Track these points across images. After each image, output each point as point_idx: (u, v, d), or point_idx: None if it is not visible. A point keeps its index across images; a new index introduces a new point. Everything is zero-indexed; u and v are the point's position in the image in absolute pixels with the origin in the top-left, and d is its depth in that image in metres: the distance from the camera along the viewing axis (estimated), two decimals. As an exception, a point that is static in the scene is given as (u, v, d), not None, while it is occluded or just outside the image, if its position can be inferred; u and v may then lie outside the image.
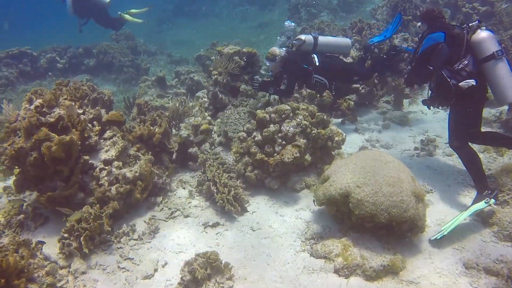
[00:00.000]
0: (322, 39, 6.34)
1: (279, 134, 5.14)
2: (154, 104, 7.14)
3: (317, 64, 6.18)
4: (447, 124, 4.95)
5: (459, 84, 4.35)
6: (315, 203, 4.34)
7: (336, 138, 5.32)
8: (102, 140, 4.64)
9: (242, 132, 5.30)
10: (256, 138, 5.16)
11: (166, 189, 5.18)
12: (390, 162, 4.26)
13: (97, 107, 4.71)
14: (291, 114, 5.24)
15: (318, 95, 6.82)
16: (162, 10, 24.29)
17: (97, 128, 4.53)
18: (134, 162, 4.87)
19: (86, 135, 4.36)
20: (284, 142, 5.12)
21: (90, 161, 4.38)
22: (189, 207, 4.94)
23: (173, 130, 6.09)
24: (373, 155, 4.35)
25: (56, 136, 4.03)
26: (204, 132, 5.65)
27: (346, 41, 6.59)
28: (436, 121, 7.00)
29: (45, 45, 12.73)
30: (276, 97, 6.44)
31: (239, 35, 15.81)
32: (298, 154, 4.84)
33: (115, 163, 4.53)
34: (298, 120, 5.17)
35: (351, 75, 6.66)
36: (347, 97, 7.26)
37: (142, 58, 12.68)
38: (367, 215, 3.88)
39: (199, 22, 22.11)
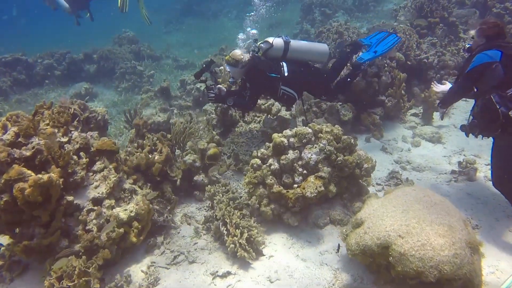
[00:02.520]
0: (294, 44, 5.37)
1: (299, 162, 4.39)
2: (156, 119, 6.42)
3: (285, 74, 5.21)
4: (490, 158, 4.25)
5: (510, 113, 3.60)
6: (348, 253, 3.57)
7: (365, 165, 4.55)
8: (91, 174, 3.93)
9: (256, 159, 4.55)
10: (272, 167, 4.41)
11: (168, 226, 4.46)
12: (437, 204, 3.49)
13: (84, 135, 3.99)
14: (312, 138, 4.48)
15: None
16: (170, 9, 23.43)
17: (84, 160, 3.81)
18: (129, 197, 4.16)
19: (70, 171, 3.64)
20: (305, 172, 4.37)
21: (75, 202, 3.67)
22: (195, 249, 4.21)
23: (177, 151, 5.37)
24: (416, 195, 3.57)
25: (32, 174, 3.32)
26: (212, 158, 4.91)
27: (323, 47, 5.57)
28: (471, 137, 6.17)
29: (41, 50, 11.93)
30: (295, 112, 5.67)
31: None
32: (322, 188, 4.08)
33: (106, 202, 3.81)
34: (321, 145, 4.41)
35: (323, 91, 5.69)
36: (372, 110, 6.47)
37: (146, 64, 11.93)
38: (412, 272, 3.12)
39: (207, 22, 21.30)
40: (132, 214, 3.92)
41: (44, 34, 21.95)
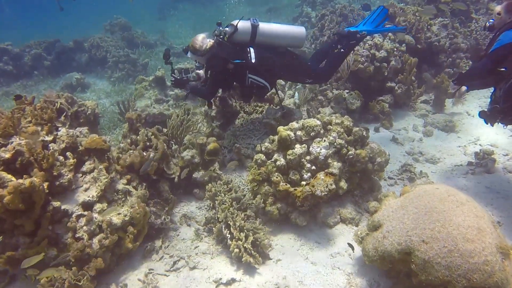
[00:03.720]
0: (264, 27, 4.69)
1: (308, 157, 4.04)
2: (151, 111, 6.04)
3: (253, 60, 4.60)
4: None
5: None
6: (365, 259, 3.25)
7: (378, 159, 4.21)
8: (80, 175, 3.57)
9: (260, 154, 4.20)
10: (278, 163, 4.06)
11: (167, 229, 4.13)
12: (463, 204, 3.14)
13: (71, 133, 3.61)
14: (321, 131, 4.12)
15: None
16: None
17: (71, 161, 3.45)
18: (123, 199, 3.81)
19: (55, 173, 3.28)
20: (314, 168, 4.02)
21: (63, 207, 3.32)
22: (196, 253, 3.88)
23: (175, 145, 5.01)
24: (440, 194, 3.22)
25: (13, 179, 2.97)
26: (212, 153, 4.55)
27: (297, 30, 4.81)
28: (486, 125, 5.82)
29: (29, 40, 11.33)
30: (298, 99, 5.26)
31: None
32: (333, 186, 3.74)
33: (98, 206, 3.46)
34: (331, 138, 4.05)
35: (303, 76, 5.07)
36: (380, 98, 6.10)
37: (140, 51, 11.43)
38: (437, 281, 2.82)
39: (203, 8, 20.61)
40: (127, 218, 3.58)
41: (31, 23, 21.09)
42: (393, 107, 6.20)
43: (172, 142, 4.87)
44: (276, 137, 4.22)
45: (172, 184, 4.57)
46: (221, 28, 4.69)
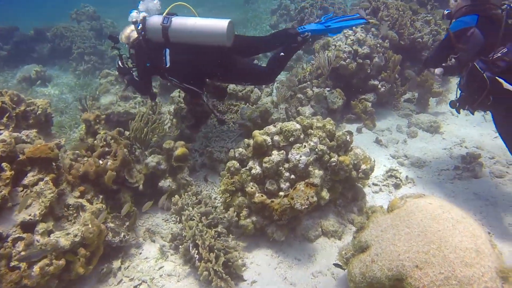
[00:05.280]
0: (177, 25, 3.90)
1: (286, 165, 3.63)
2: (115, 110, 5.49)
3: (167, 65, 4.00)
4: (499, 134, 3.97)
5: (498, 78, 3.32)
6: (351, 285, 2.87)
7: (363, 166, 3.83)
8: (21, 190, 3.03)
9: (233, 161, 3.76)
10: (253, 171, 3.63)
11: (128, 246, 3.65)
12: (459, 222, 2.79)
13: (8, 139, 3.05)
14: (301, 136, 3.70)
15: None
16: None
17: (7, 174, 2.90)
18: (75, 215, 3.30)
19: (-13, 190, 2.74)
20: (293, 177, 3.61)
21: (-3, 230, 2.79)
22: (160, 275, 3.42)
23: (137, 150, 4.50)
24: (433, 211, 2.86)
25: None
26: (180, 159, 4.08)
27: (215, 25, 3.88)
28: (471, 125, 5.60)
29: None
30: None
31: (222, 13, 13.88)
32: (315, 199, 3.34)
33: (40, 227, 2.94)
34: (312, 144, 3.65)
35: (237, 80, 4.44)
36: (363, 97, 5.75)
37: (108, 43, 10.68)
38: (434, 311, 2.47)
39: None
40: (77, 239, 3.08)
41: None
42: (376, 106, 5.86)
43: (135, 146, 4.36)
44: (251, 141, 3.79)
45: (135, 193, 4.08)
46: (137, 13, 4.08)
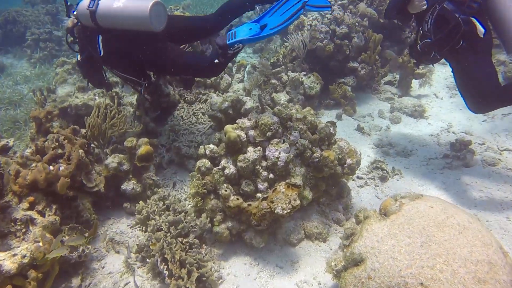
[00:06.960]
0: (102, 7, 3.28)
1: (264, 164, 3.24)
2: (72, 102, 4.91)
3: (100, 53, 3.51)
4: (457, 88, 3.75)
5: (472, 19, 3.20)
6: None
7: (349, 161, 3.48)
8: None
9: (204, 160, 3.33)
10: (226, 171, 3.23)
11: (88, 260, 3.20)
12: (466, 228, 2.46)
13: None
14: (280, 130, 3.31)
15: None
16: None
17: None
18: (24, 231, 2.83)
19: None
20: (271, 176, 3.23)
21: None
22: (125, 293, 3.02)
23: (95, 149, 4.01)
24: (436, 216, 2.53)
25: None
26: (144, 158, 3.61)
27: (139, 7, 3.18)
28: (457, 108, 5.32)
29: None
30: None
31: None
32: (297, 202, 2.97)
33: (-25, 252, 2.47)
34: (291, 138, 3.26)
35: (175, 72, 3.96)
36: (341, 80, 5.38)
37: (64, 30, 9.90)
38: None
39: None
40: (26, 260, 2.62)
41: None
42: (356, 90, 5.52)
43: (93, 145, 3.87)
44: (223, 136, 3.37)
45: (96, 198, 3.62)
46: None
